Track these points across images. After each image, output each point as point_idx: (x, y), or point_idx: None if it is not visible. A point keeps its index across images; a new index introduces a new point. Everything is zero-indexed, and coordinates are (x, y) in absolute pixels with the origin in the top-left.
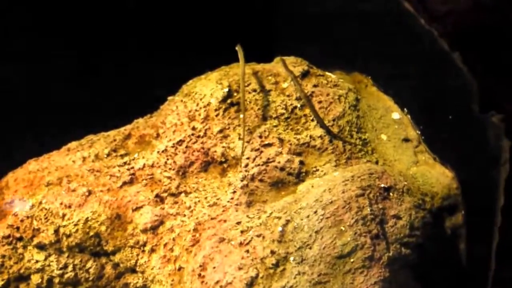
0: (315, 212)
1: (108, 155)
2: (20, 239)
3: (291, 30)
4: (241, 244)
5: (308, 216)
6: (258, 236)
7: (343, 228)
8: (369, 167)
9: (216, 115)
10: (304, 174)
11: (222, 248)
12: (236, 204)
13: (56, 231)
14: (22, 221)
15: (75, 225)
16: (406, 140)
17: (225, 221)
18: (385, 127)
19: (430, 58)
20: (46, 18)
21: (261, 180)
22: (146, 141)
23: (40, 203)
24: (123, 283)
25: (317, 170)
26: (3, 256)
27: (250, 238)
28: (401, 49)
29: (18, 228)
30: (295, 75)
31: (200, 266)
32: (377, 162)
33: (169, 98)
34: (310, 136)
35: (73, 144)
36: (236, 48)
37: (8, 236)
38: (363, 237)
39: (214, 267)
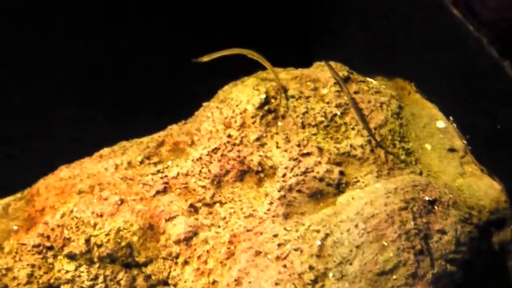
0: (356, 225)
1: (141, 162)
2: (51, 248)
3: (328, 33)
4: (278, 258)
5: (348, 230)
6: (296, 250)
7: (385, 243)
8: (413, 179)
9: (253, 123)
10: (344, 185)
11: (258, 262)
12: (273, 216)
13: (87, 241)
14: (52, 229)
15: (107, 235)
16: (452, 150)
17: (261, 233)
18: (429, 136)
19: (478, 65)
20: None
21: (299, 191)
22: (180, 149)
23: (71, 211)
24: None
25: (358, 181)
26: (33, 266)
27: (287, 252)
28: (447, 56)
29: (48, 237)
30: (342, 78)
31: (235, 280)
32: (421, 173)
33: (204, 104)
34: (351, 145)
35: (105, 151)
36: (252, 56)
37: (38, 245)
38: (406, 253)
39: (249, 282)
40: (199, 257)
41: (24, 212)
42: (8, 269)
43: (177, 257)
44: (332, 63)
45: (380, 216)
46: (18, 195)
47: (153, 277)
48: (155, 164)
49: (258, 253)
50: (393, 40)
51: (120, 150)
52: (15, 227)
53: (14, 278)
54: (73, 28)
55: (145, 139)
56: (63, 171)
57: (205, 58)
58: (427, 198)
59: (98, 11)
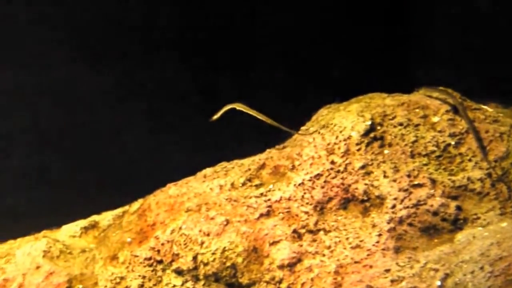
0: (481, 268)
1: (243, 184)
2: (160, 262)
3: (431, 58)
4: None
5: (472, 272)
6: None
7: None
8: None
9: (358, 150)
10: (462, 221)
11: None
12: (383, 249)
13: (195, 258)
14: (163, 244)
15: (213, 254)
16: None
17: (371, 266)
18: None
19: None
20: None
21: (410, 224)
22: (280, 172)
23: (180, 228)
24: None
25: (478, 218)
26: (144, 277)
27: None
28: None
29: (159, 251)
30: (461, 103)
31: None
32: None
33: (303, 128)
34: (468, 178)
35: (208, 171)
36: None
37: (150, 258)
38: None
39: None
40: (302, 285)
41: (137, 225)
42: (122, 278)
43: (280, 282)
44: (441, 89)
45: (509, 259)
46: (126, 207)
47: None
48: (257, 186)
49: (369, 287)
50: (506, 65)
51: (222, 171)
52: (129, 239)
53: (127, 287)
54: None
55: (246, 161)
56: (171, 189)
57: (217, 115)
58: None
59: None
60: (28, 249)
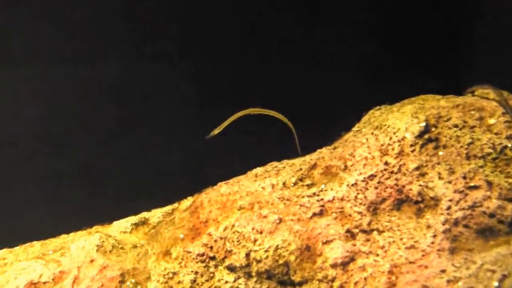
0: None
1: (295, 184)
2: (213, 258)
3: (482, 58)
4: None
5: None
6: None
7: None
8: None
9: (412, 151)
10: None
11: None
12: (438, 250)
13: (247, 255)
14: (215, 241)
15: (266, 251)
16: None
17: (426, 267)
18: None
19: None
20: None
21: (466, 226)
22: (332, 173)
23: (233, 225)
24: None
25: None
26: (196, 273)
27: None
28: None
29: (211, 247)
30: (507, 100)
31: None
32: None
33: (354, 128)
34: None
35: (259, 170)
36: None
37: (203, 254)
38: None
39: None
40: (356, 283)
41: (189, 222)
42: (175, 273)
43: (333, 280)
44: (494, 89)
45: None
46: (175, 204)
47: None
48: (308, 186)
49: (424, 287)
50: None
51: (273, 170)
52: (181, 235)
53: (179, 282)
54: None
55: (297, 161)
56: (223, 188)
57: (216, 131)
58: None
59: None
60: (82, 243)
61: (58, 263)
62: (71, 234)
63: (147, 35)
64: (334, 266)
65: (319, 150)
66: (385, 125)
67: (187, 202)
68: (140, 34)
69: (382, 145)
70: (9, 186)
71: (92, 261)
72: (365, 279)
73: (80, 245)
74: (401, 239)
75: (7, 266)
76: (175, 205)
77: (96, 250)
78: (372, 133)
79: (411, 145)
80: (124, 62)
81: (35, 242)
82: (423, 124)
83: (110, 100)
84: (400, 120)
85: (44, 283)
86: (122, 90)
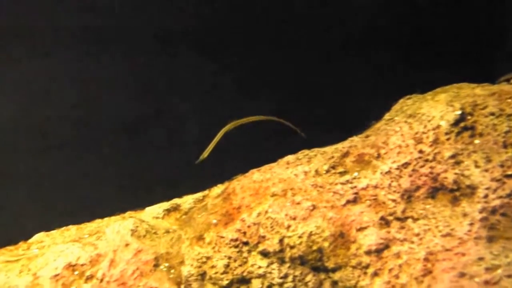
0: None
1: (327, 171)
2: (246, 243)
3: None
4: (487, 282)
5: None
6: (509, 276)
7: None
8: None
9: (447, 139)
10: None
11: (464, 284)
12: (475, 238)
13: (281, 241)
14: (249, 227)
15: (299, 237)
16: None
17: (463, 254)
18: None
19: None
20: None
21: (503, 214)
22: (365, 161)
23: (266, 212)
24: None
25: None
26: (230, 258)
27: (498, 277)
28: None
29: (245, 233)
30: None
31: None
32: None
33: (385, 117)
34: None
35: (290, 158)
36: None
37: (236, 240)
38: None
39: None
40: (390, 270)
41: (222, 208)
42: (208, 258)
43: (367, 267)
44: None
45: None
46: (206, 191)
47: (340, 284)
48: (341, 174)
49: (462, 274)
50: None
51: (304, 158)
52: (214, 221)
53: (213, 267)
54: None
55: (329, 149)
56: (255, 174)
57: (205, 154)
58: None
59: None
60: (117, 227)
61: (94, 246)
62: (105, 219)
63: (176, 22)
64: (368, 253)
65: (350, 139)
66: (419, 114)
67: (217, 189)
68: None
69: (416, 133)
70: (43, 171)
71: (127, 245)
72: (400, 266)
73: (115, 229)
74: (436, 226)
75: (45, 248)
76: (206, 192)
77: (130, 235)
78: (406, 121)
79: (446, 133)
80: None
81: (70, 226)
82: (459, 112)
83: (143, 89)
84: (435, 108)
85: (82, 265)
86: (156, 78)
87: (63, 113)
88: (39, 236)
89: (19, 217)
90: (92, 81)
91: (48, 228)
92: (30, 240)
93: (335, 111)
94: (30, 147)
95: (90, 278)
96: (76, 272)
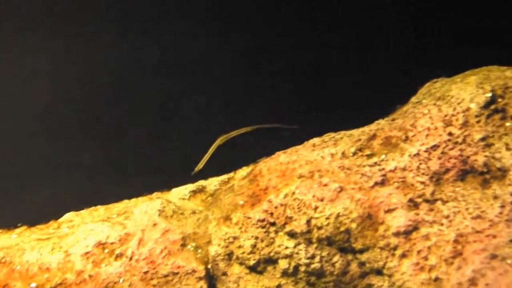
0: None
1: (354, 154)
2: (273, 224)
3: None
4: None
5: None
6: None
7: None
8: None
9: (477, 122)
10: None
11: (495, 265)
12: (507, 220)
13: (308, 222)
14: (276, 207)
15: (327, 218)
16: None
17: (494, 236)
18: None
19: None
20: None
21: None
22: (392, 143)
23: (293, 193)
24: (366, 283)
25: None
26: (257, 238)
27: None
28: None
29: (272, 214)
30: None
31: (469, 280)
32: None
33: (412, 100)
34: None
35: (316, 140)
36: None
37: (263, 220)
38: None
39: (486, 284)
40: (419, 252)
41: (249, 189)
42: (235, 238)
43: (395, 248)
44: None
45: None
46: (231, 174)
47: (367, 265)
48: (368, 156)
49: (493, 256)
50: None
51: (330, 140)
52: (241, 202)
53: (240, 247)
54: None
55: (355, 132)
56: (281, 156)
57: (200, 166)
58: None
59: None
60: (145, 207)
61: (123, 226)
62: (133, 199)
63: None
64: (396, 234)
65: (377, 122)
66: (448, 96)
67: (242, 171)
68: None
69: (445, 115)
70: (73, 151)
71: (155, 224)
72: (429, 248)
73: (143, 210)
74: (466, 209)
75: (75, 228)
76: (231, 174)
77: (158, 215)
78: (435, 104)
79: (477, 116)
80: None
81: (99, 207)
82: (489, 94)
83: (168, 71)
84: (465, 91)
85: (111, 243)
86: (183, 60)
87: (93, 91)
88: (69, 215)
89: (50, 197)
90: (121, 62)
91: (77, 208)
92: (60, 220)
93: (360, 94)
94: (61, 129)
95: (119, 256)
96: (106, 250)
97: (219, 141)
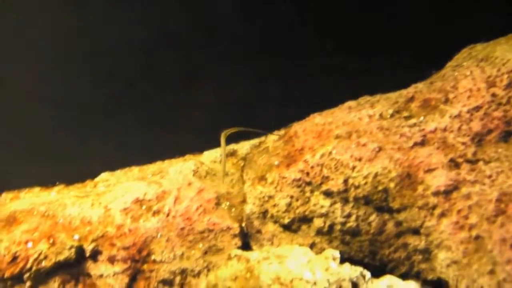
0: None
1: (392, 116)
2: (309, 183)
3: None
4: None
5: None
6: None
7: None
8: None
9: None
10: None
11: None
12: None
13: (345, 181)
14: (312, 167)
15: (365, 177)
16: None
17: None
18: None
19: None
20: None
21: None
22: (431, 105)
23: (330, 153)
24: (402, 243)
25: None
26: (292, 197)
27: None
28: None
29: (308, 173)
30: None
31: None
32: None
33: (450, 64)
34: None
35: (352, 103)
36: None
37: (299, 180)
38: None
39: None
40: (459, 211)
41: (284, 150)
42: (270, 197)
43: (433, 208)
44: None
45: None
46: (263, 138)
47: (404, 224)
48: (406, 118)
49: None
50: None
51: (367, 103)
52: (276, 162)
53: (275, 205)
54: None
55: (392, 95)
56: (317, 118)
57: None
58: None
59: None
60: (179, 167)
61: (159, 184)
62: (166, 161)
63: None
64: (436, 194)
65: (414, 85)
66: (492, 57)
67: (273, 136)
68: None
69: (489, 76)
70: (108, 114)
71: (189, 184)
72: (470, 207)
73: (177, 169)
74: (510, 169)
75: (111, 186)
76: (262, 138)
77: (192, 175)
78: (477, 65)
79: None
80: None
81: (133, 167)
82: None
83: (197, 42)
84: (510, 52)
85: (149, 200)
86: (211, 30)
87: (129, 58)
88: (104, 175)
89: (86, 157)
90: (159, 32)
91: (112, 168)
92: (96, 179)
93: (395, 60)
94: (96, 93)
95: (157, 212)
96: (143, 207)
97: (224, 135)
